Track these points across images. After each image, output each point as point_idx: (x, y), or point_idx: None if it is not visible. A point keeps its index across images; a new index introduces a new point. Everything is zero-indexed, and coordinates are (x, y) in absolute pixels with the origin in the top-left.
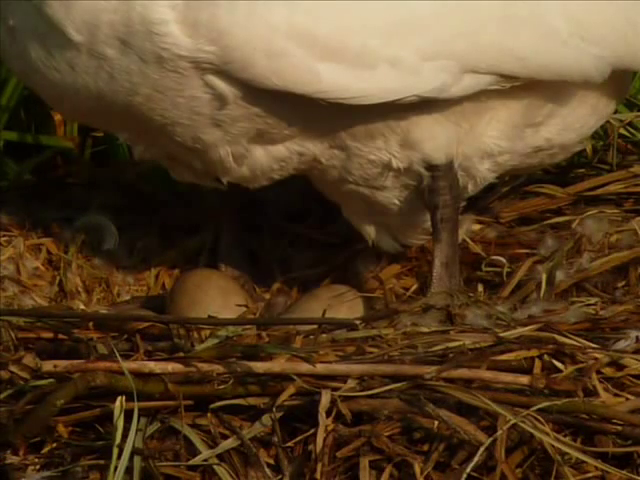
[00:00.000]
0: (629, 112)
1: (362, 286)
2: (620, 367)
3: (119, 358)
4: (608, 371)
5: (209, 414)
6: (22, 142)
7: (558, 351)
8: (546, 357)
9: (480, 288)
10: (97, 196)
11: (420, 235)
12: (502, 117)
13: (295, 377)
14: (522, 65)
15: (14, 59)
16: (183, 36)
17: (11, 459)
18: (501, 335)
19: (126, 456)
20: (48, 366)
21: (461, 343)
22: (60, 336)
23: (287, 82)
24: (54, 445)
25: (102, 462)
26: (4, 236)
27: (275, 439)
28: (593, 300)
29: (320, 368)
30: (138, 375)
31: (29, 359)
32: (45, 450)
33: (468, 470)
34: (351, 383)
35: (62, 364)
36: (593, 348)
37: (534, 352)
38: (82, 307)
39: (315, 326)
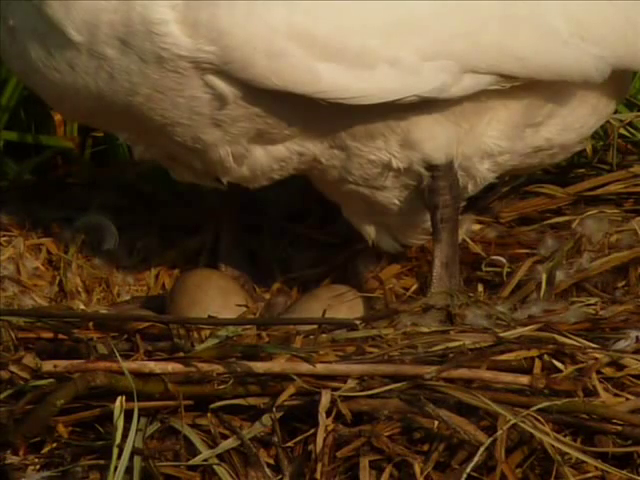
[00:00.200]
0: (629, 112)
1: (362, 286)
2: (620, 367)
3: (119, 358)
4: (608, 371)
5: (209, 414)
6: (22, 142)
7: (558, 351)
8: (546, 357)
9: (480, 288)
10: (97, 196)
11: (420, 235)
12: (502, 117)
13: (295, 377)
14: (522, 65)
15: (14, 59)
16: (183, 36)
17: (11, 459)
18: (501, 335)
19: (126, 456)
20: (48, 366)
21: (461, 343)
22: (60, 336)
23: (287, 82)
24: (54, 445)
25: (102, 462)
26: (4, 236)
27: (275, 439)
28: (593, 300)
29: (320, 368)
30: (138, 375)
31: (29, 359)
32: (45, 450)
33: (468, 470)
34: (351, 383)
35: (62, 364)
36: (593, 348)
37: (534, 352)
38: (82, 307)
39: (315, 326)
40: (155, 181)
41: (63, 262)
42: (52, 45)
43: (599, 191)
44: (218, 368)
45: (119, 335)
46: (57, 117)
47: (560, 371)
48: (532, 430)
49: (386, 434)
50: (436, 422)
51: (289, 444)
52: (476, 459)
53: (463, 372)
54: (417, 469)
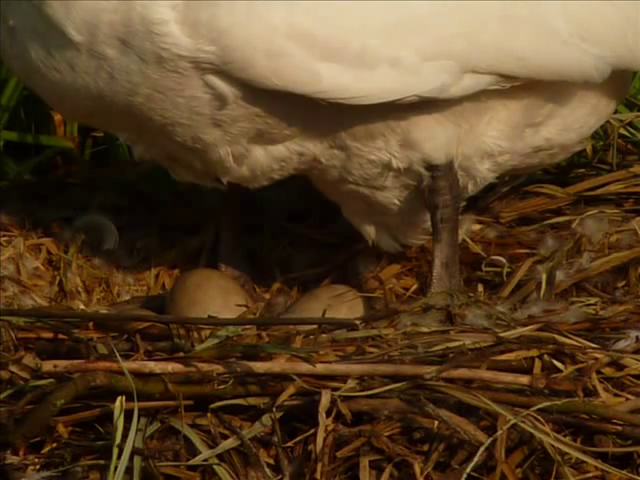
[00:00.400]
0: (629, 112)
1: (362, 286)
2: (620, 367)
3: (119, 358)
4: (608, 371)
5: (209, 414)
6: (22, 142)
7: (558, 351)
8: (546, 357)
9: (480, 288)
10: (97, 196)
11: (420, 235)
12: (502, 117)
13: (295, 377)
14: (522, 65)
15: (14, 59)
16: (183, 36)
17: (11, 459)
18: (501, 335)
19: (126, 456)
20: (48, 366)
21: (461, 343)
22: (60, 336)
23: (287, 82)
24: (54, 445)
25: (102, 462)
26: (4, 236)
27: (275, 439)
28: (593, 300)
29: (320, 368)
30: (138, 375)
31: (29, 359)
32: (45, 450)
33: (468, 470)
34: (351, 383)
35: (62, 364)
36: (593, 348)
37: (534, 352)
38: (82, 307)
39: (315, 326)
40: (155, 181)
41: (63, 262)
42: (52, 45)
43: (599, 191)
44: (218, 368)
45: (119, 335)
46: (57, 117)
47: (560, 371)
48: (532, 430)
49: (386, 434)
50: (436, 422)
51: (289, 444)
52: (476, 459)
53: (463, 372)
54: (417, 469)
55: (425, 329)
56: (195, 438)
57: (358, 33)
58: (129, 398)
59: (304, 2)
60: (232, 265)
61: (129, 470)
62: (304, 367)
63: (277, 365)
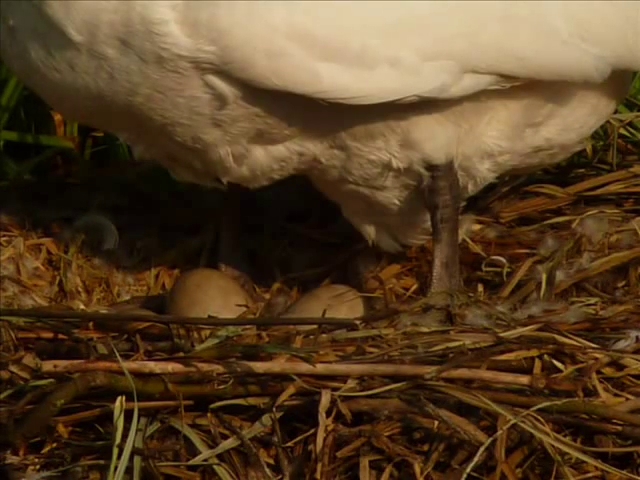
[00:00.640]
0: (629, 112)
1: (362, 286)
2: (620, 367)
3: (119, 358)
4: (608, 371)
5: (209, 414)
6: (22, 142)
7: (558, 351)
8: (546, 357)
9: (480, 288)
10: (97, 196)
11: (420, 235)
12: (502, 117)
13: (295, 377)
14: (522, 65)
15: (14, 59)
16: (183, 36)
17: (11, 459)
18: (501, 335)
19: (126, 456)
20: (48, 366)
21: (461, 343)
22: (60, 336)
23: (287, 82)
24: (54, 445)
25: (102, 462)
26: (4, 236)
27: (275, 439)
28: (593, 300)
29: (320, 368)
30: (138, 375)
31: (29, 359)
32: (45, 450)
33: (468, 470)
34: (351, 383)
35: (62, 364)
36: (593, 348)
37: (534, 352)
38: (82, 307)
39: (315, 326)
40: (155, 181)
41: (63, 262)
42: (52, 45)
43: (599, 191)
44: (218, 368)
45: (119, 335)
46: (57, 117)
47: (560, 371)
48: (532, 430)
49: (386, 434)
50: (436, 422)
51: (289, 444)
52: (476, 459)
53: (463, 372)
54: (417, 469)
55: (425, 329)
56: (195, 438)
57: (358, 33)
58: (129, 398)
59: (304, 2)
60: (232, 265)
61: (129, 470)
62: (304, 367)
63: (277, 365)
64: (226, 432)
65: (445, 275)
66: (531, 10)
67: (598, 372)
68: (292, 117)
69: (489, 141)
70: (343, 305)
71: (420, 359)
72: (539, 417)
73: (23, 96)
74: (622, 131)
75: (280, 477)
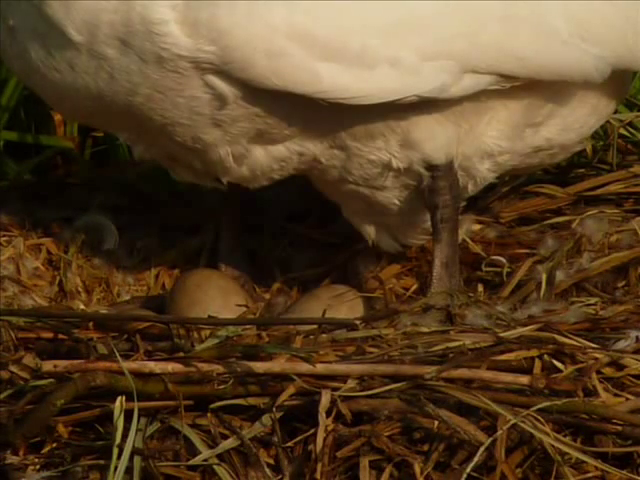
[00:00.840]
0: (629, 112)
1: (362, 286)
2: (620, 367)
3: (119, 358)
4: (608, 371)
5: (209, 414)
6: (22, 142)
7: (558, 351)
8: (546, 357)
9: (480, 288)
10: (97, 196)
11: (420, 235)
12: (502, 117)
13: (295, 377)
14: (522, 65)
15: (14, 59)
16: (183, 36)
17: (11, 459)
18: (501, 335)
19: (126, 456)
20: (48, 366)
21: (461, 343)
22: (60, 336)
23: (287, 82)
24: (54, 445)
25: (102, 462)
26: (4, 236)
27: (275, 439)
28: (593, 300)
29: (320, 368)
30: (138, 375)
31: (29, 359)
32: (45, 450)
33: (468, 470)
34: (351, 383)
35: (62, 364)
36: (593, 348)
37: (534, 352)
38: (82, 307)
39: (315, 326)
40: (155, 181)
41: (63, 262)
42: (52, 45)
43: (599, 191)
44: (218, 368)
45: (119, 335)
46: (57, 117)
47: (560, 371)
48: (532, 430)
49: (386, 434)
50: (436, 422)
51: (289, 444)
52: (476, 459)
53: (463, 372)
54: (417, 469)
55: (425, 329)
56: (195, 438)
57: (358, 33)
58: (129, 398)
59: (304, 2)
60: (232, 265)
61: (129, 470)
62: (304, 367)
63: (277, 365)
64: (226, 432)
65: (445, 275)
66: (531, 10)
67: (598, 372)
68: (292, 117)
69: (489, 141)
70: (343, 305)
71: (420, 359)
72: (539, 417)
73: (23, 96)
74: (622, 131)
75: (280, 477)
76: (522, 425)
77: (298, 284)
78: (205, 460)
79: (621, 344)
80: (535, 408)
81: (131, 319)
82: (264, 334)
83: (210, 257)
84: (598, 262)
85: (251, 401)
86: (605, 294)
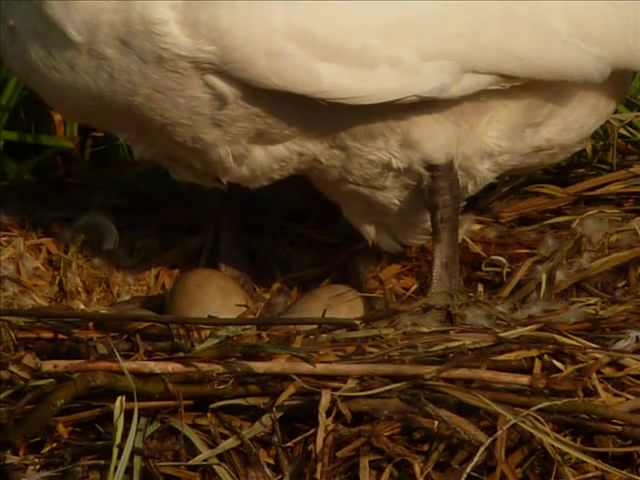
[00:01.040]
0: (629, 112)
1: (362, 286)
2: (620, 367)
3: (119, 358)
4: (608, 371)
5: (209, 414)
6: (22, 142)
7: (558, 351)
8: (546, 357)
9: (480, 288)
10: (97, 196)
11: (420, 235)
12: (502, 117)
13: (295, 377)
14: (522, 65)
15: (14, 59)
16: (183, 36)
17: (11, 459)
18: (501, 335)
19: (126, 456)
20: (48, 366)
21: (461, 343)
22: (60, 336)
23: (287, 82)
24: (54, 445)
25: (102, 462)
26: (4, 236)
27: (275, 439)
28: (593, 300)
29: (320, 368)
30: (138, 375)
31: (29, 359)
32: (45, 450)
33: (468, 470)
34: (351, 383)
35: (62, 364)
36: (593, 348)
37: (534, 352)
38: (82, 307)
39: (315, 326)
40: (155, 181)
41: (63, 262)
42: (52, 45)
43: (599, 191)
44: (218, 368)
45: (119, 335)
46: (57, 117)
47: (560, 371)
48: (532, 430)
49: (386, 434)
50: (436, 422)
51: (289, 444)
52: (476, 459)
53: (463, 372)
54: (417, 469)
55: (425, 329)
56: (195, 438)
57: (358, 33)
58: (129, 398)
59: (304, 2)
60: (232, 265)
61: (129, 470)
62: (304, 367)
63: (277, 365)
64: (226, 432)
65: (445, 275)
66: (531, 10)
67: (598, 372)
68: (292, 117)
69: (489, 141)
70: (343, 305)
71: (420, 359)
72: (539, 417)
73: (23, 96)
74: (622, 131)
75: (280, 477)
76: (522, 425)
77: (298, 284)
78: (205, 460)
79: (621, 344)
80: (535, 408)
81: (131, 319)
82: (264, 334)
83: (210, 257)
84: (598, 262)
85: (251, 401)
86: (605, 294)
